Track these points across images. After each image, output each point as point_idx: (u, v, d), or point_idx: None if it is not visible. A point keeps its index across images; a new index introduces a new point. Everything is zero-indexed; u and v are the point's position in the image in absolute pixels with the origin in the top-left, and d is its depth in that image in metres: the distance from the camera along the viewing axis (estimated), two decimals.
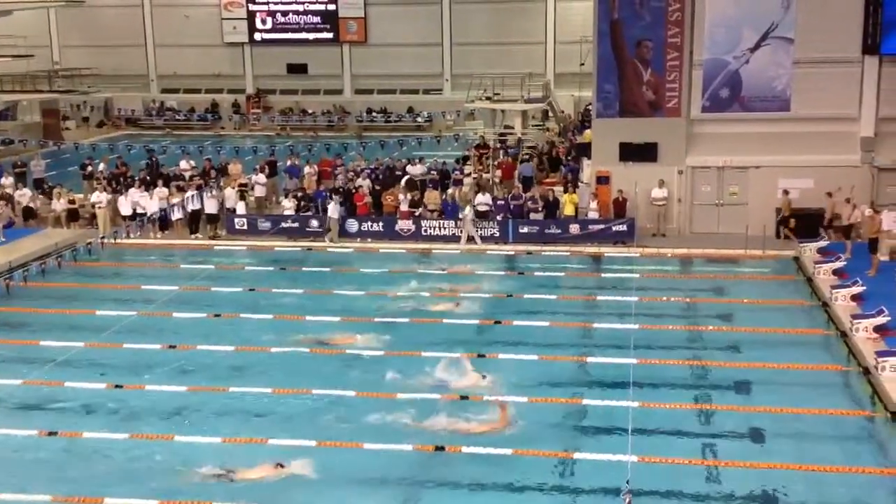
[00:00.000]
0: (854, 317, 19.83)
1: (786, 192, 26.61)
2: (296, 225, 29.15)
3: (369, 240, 28.54)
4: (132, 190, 30.13)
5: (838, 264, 23.63)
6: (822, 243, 25.17)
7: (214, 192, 30.14)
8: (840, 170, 26.82)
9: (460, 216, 27.85)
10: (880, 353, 17.71)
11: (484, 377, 18.06)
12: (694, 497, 13.93)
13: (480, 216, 28.34)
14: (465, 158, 35.22)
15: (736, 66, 27.33)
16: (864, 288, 21.36)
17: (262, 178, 31.85)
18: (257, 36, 54.62)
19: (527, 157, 33.49)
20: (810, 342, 20.01)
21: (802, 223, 26.37)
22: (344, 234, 28.56)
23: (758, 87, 27.34)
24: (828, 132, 27.05)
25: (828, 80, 26.81)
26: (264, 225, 29.30)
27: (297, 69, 54.08)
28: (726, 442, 15.59)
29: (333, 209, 28.26)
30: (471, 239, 27.65)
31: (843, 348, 19.42)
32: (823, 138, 26.99)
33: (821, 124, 27.00)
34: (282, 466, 14.79)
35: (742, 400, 17.14)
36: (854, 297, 21.25)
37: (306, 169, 33.27)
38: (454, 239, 27.99)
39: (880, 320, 19.28)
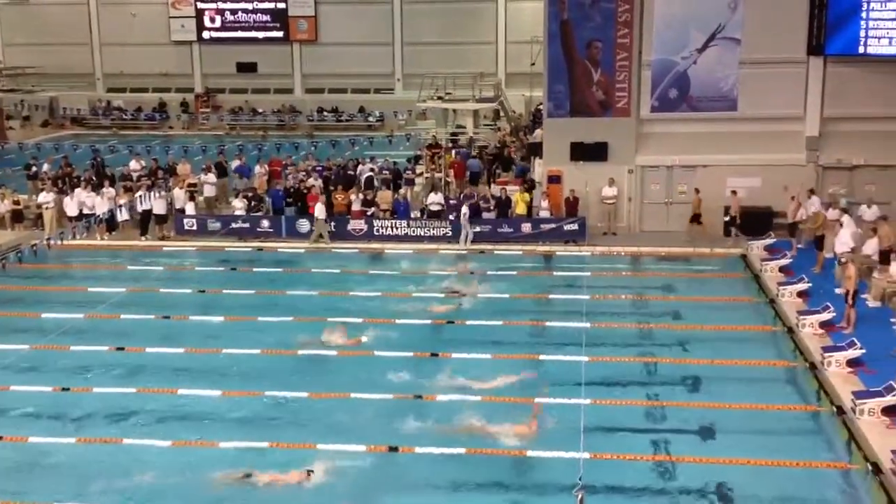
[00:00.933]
0: (800, 313, 20.19)
1: (734, 193, 26.96)
2: (246, 225, 28.87)
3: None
4: (78, 190, 29.62)
5: (784, 261, 24.03)
6: (769, 241, 25.58)
7: (163, 193, 29.74)
8: (786, 168, 27.30)
9: (462, 214, 27.55)
10: (826, 349, 18.05)
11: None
12: (646, 492, 14.09)
13: (433, 216, 28.32)
14: (417, 158, 35.19)
15: (684, 67, 27.66)
16: (810, 284, 21.75)
17: (211, 177, 31.50)
18: (206, 34, 54.02)
19: (475, 154, 33.59)
20: (758, 338, 20.31)
21: (750, 221, 26.74)
22: (295, 234, 28.37)
23: (705, 87, 27.68)
24: (774, 132, 27.51)
25: (774, 80, 27.23)
26: (214, 225, 28.97)
27: (247, 68, 53.58)
28: (677, 437, 15.77)
29: (320, 210, 27.99)
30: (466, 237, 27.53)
31: (789, 344, 19.74)
32: (770, 138, 27.44)
33: (767, 124, 27.44)
34: (310, 473, 14.61)
35: (692, 396, 17.36)
36: (800, 294, 21.62)
37: (256, 169, 32.99)
38: (406, 239, 27.94)
39: (825, 316, 19.65)
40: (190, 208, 29.57)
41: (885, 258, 21.42)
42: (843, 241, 22.07)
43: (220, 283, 25.07)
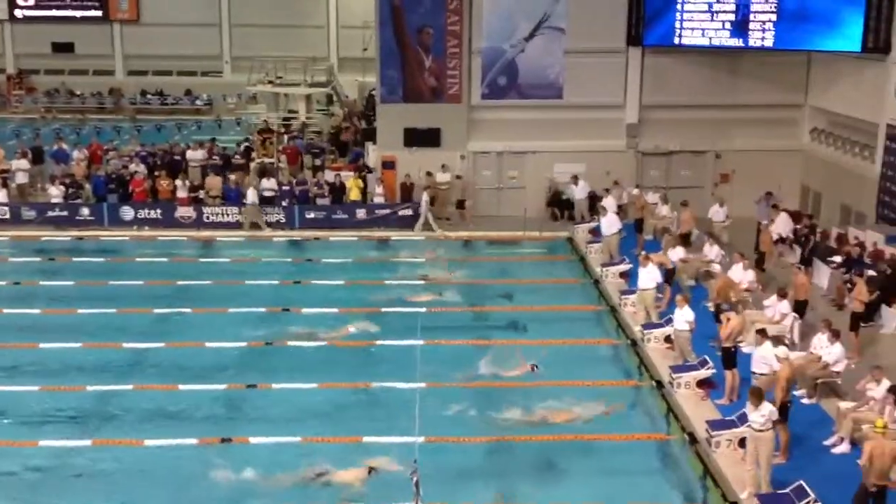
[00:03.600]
0: (622, 293, 21.12)
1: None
2: (65, 213, 27.48)
3: (146, 228, 27.36)
4: None
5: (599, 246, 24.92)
6: (593, 224, 26.52)
7: None
8: (609, 155, 28.39)
9: (423, 200, 27.03)
10: (646, 327, 18.97)
11: None
12: (479, 472, 14.37)
13: (265, 202, 27.83)
14: (248, 143, 34.43)
15: (512, 55, 28.27)
16: (631, 266, 22.73)
17: (24, 163, 29.67)
18: (18, 13, 50.72)
19: (299, 135, 33.27)
20: (584, 318, 21.08)
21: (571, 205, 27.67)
22: (118, 221, 27.25)
23: (533, 75, 28.39)
24: (597, 119, 28.52)
25: (597, 69, 28.21)
26: (29, 214, 27.42)
27: (64, 48, 50.70)
28: (508, 417, 16.13)
29: (252, 194, 26.92)
30: (428, 226, 27.00)
31: (613, 322, 20.61)
32: (594, 125, 28.44)
33: (591, 111, 28.40)
34: (373, 470, 14.19)
35: (523, 375, 17.71)
36: (622, 275, 22.59)
37: (75, 154, 31.39)
38: (237, 226, 27.34)
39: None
40: (2, 196, 27.87)
41: (685, 240, 22.75)
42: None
43: (36, 275, 23.79)
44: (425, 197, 27.21)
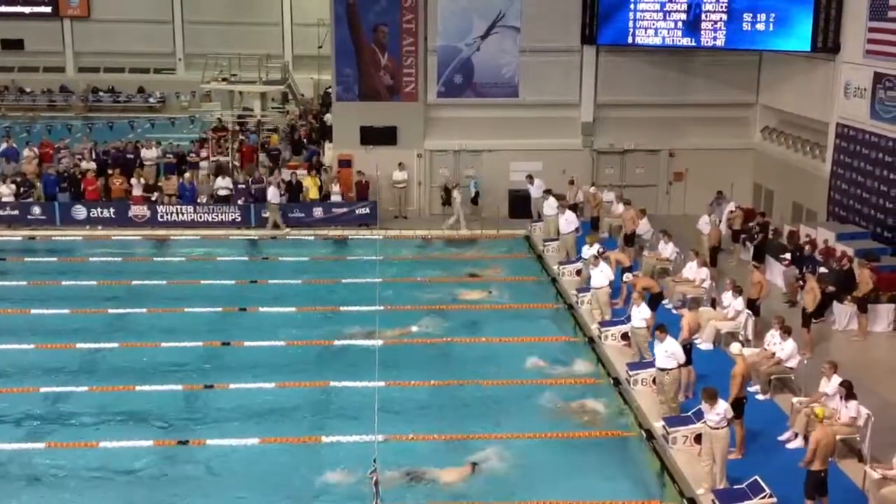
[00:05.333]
0: (579, 290, 21.27)
1: (530, 177, 27.60)
2: (16, 212, 27.01)
3: (100, 227, 26.98)
4: None
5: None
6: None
7: None
8: (564, 153, 28.58)
9: (456, 200, 26.91)
10: (603, 324, 19.14)
11: None
12: (437, 468, 14.40)
13: (221, 200, 27.60)
14: (203, 141, 34.10)
15: (468, 54, 28.33)
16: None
17: None
18: None
19: (254, 132, 33.08)
20: (542, 315, 21.20)
21: (527, 205, 27.72)
22: (70, 220, 26.85)
23: (488, 73, 28.48)
24: (553, 117, 28.69)
25: (552, 68, 28.40)
26: None
27: (13, 45, 49.77)
28: (467, 415, 16.21)
29: (273, 193, 26.58)
30: (457, 224, 26.86)
31: (570, 320, 20.76)
32: (549, 123, 28.61)
33: (546, 110, 28.59)
34: (476, 466, 14.09)
35: (481, 373, 17.80)
36: (578, 273, 22.74)
37: (25, 152, 30.85)
38: (194, 225, 27.07)
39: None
40: None
41: (628, 241, 23.30)
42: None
43: None
44: (457, 195, 27.08)
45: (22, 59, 49.91)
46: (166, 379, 17.35)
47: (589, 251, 21.35)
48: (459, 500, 13.58)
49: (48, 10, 49.47)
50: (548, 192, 26.25)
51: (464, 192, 27.59)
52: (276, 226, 26.92)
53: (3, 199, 27.28)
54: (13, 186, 27.63)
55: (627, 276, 19.86)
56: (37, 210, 27.05)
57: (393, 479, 13.63)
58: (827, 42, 23.41)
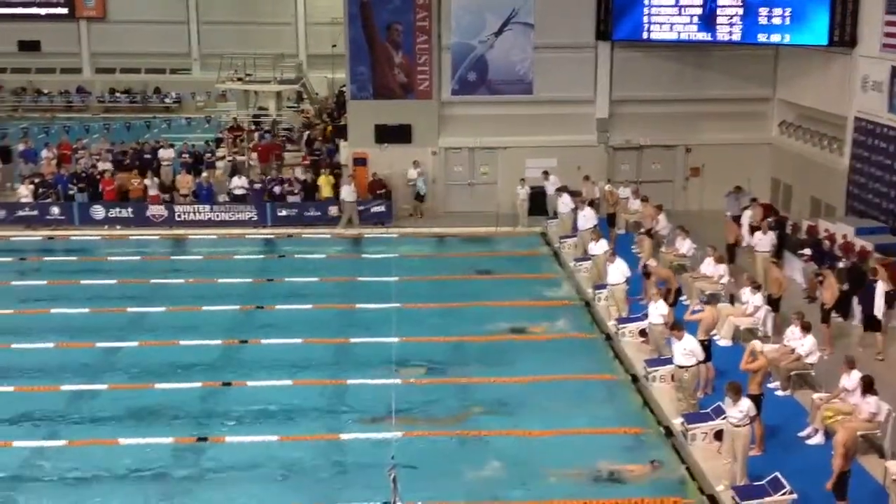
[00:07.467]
0: (596, 287, 21.20)
1: (546, 173, 27.61)
2: (35, 213, 27.21)
3: (118, 227, 27.13)
4: None
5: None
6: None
7: None
8: (580, 149, 28.51)
9: (518, 191, 26.97)
10: (620, 321, 19.08)
11: None
12: (454, 465, 14.40)
13: (237, 200, 27.70)
14: (219, 141, 34.26)
15: (482, 51, 28.29)
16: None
17: None
18: None
19: (269, 131, 33.17)
20: (558, 312, 21.14)
21: (542, 202, 27.68)
22: (89, 220, 27.01)
23: (503, 70, 28.42)
24: (567, 114, 28.60)
25: (566, 64, 28.30)
26: None
27: (30, 46, 50.14)
28: (484, 412, 16.19)
29: (348, 192, 26.74)
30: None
31: (587, 316, 20.71)
32: (564, 120, 28.54)
33: (561, 107, 28.49)
34: (656, 464, 14.20)
35: (497, 370, 17.79)
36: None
37: (44, 153, 31.07)
38: (210, 224, 27.19)
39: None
40: None
41: (650, 235, 22.97)
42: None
43: (7, 275, 23.53)
44: (522, 192, 27.13)
45: (39, 60, 50.26)
46: (185, 377, 17.44)
47: (596, 247, 21.30)
48: (475, 501, 13.56)
49: (64, 11, 49.81)
50: (562, 189, 26.27)
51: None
52: (349, 223, 26.93)
53: (23, 200, 27.49)
54: (31, 187, 27.82)
55: (652, 262, 19.81)
56: (56, 210, 27.23)
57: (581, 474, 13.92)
58: (844, 36, 23.26)
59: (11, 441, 15.04)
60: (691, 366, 15.10)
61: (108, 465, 14.36)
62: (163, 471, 14.29)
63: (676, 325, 15.47)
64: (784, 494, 12.41)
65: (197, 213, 27.33)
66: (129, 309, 20.77)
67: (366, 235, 27.03)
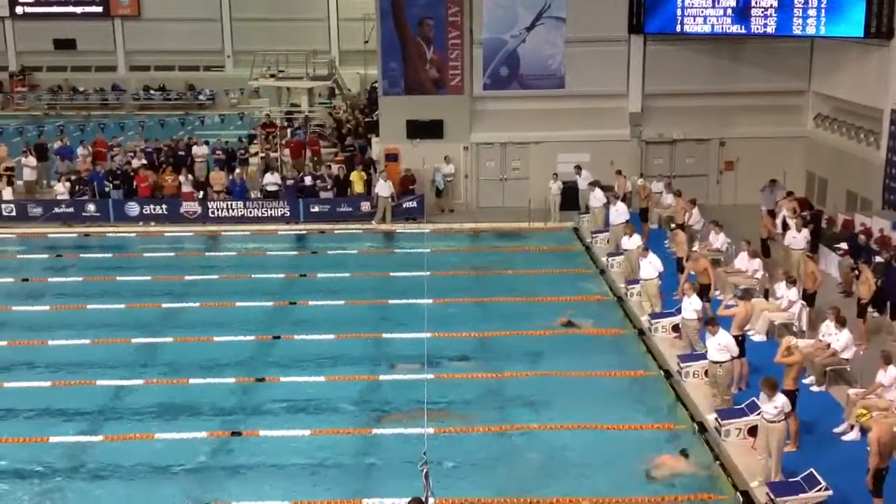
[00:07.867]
0: (628, 282, 21.10)
1: (578, 168, 27.54)
2: (70, 210, 27.57)
3: (152, 223, 27.42)
4: None
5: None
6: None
7: None
8: (612, 144, 28.37)
9: (550, 186, 27.03)
10: (653, 316, 18.98)
11: None
12: (487, 460, 14.42)
13: (270, 196, 27.88)
14: (252, 137, 34.47)
15: (514, 45, 28.20)
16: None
17: (31, 160, 29.83)
18: (19, 9, 50.75)
19: (300, 127, 33.31)
20: (591, 308, 21.04)
21: (575, 197, 27.55)
22: (124, 217, 27.32)
23: (534, 65, 28.33)
24: (600, 108, 28.46)
25: (598, 58, 28.13)
26: (35, 211, 27.51)
27: (66, 45, 50.74)
28: (515, 407, 16.22)
29: (384, 187, 26.93)
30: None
31: (619, 311, 20.61)
32: (596, 114, 28.40)
33: (593, 101, 28.35)
34: (685, 455, 14.28)
35: (529, 366, 17.78)
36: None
37: (80, 150, 31.47)
38: (244, 220, 27.40)
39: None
40: (8, 193, 27.97)
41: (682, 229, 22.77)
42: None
43: (44, 271, 23.87)
44: (554, 187, 27.13)
45: (74, 58, 50.90)
46: (219, 372, 17.58)
47: (629, 242, 21.20)
48: (507, 496, 13.57)
49: (99, 9, 50.34)
50: (594, 183, 26.15)
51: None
52: (383, 219, 27.04)
53: (59, 197, 27.86)
54: (68, 184, 28.18)
55: (694, 253, 19.70)
56: (91, 207, 27.56)
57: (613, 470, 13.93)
58: (880, 27, 22.92)
59: (48, 437, 15.22)
60: (725, 361, 14.99)
61: (144, 460, 14.51)
62: (197, 465, 14.43)
63: (711, 321, 15.35)
64: (819, 491, 12.29)
65: (230, 210, 27.55)
66: (164, 305, 20.97)
67: (398, 231, 27.09)
